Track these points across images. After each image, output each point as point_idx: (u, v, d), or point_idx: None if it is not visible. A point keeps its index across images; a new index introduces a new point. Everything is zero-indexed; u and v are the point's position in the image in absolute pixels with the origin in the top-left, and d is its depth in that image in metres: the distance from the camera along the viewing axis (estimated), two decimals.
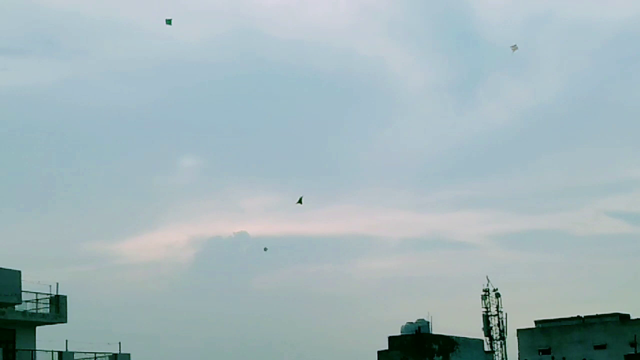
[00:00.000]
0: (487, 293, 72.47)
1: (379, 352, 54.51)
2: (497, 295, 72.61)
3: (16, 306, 41.53)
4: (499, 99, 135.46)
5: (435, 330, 55.51)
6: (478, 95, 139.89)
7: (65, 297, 44.38)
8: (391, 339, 54.39)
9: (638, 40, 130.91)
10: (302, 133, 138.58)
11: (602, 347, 57.91)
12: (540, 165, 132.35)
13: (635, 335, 52.76)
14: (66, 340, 43.76)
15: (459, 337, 56.15)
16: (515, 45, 46.99)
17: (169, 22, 45.41)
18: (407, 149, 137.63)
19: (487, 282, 72.52)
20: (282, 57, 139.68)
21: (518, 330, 64.09)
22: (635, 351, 50.21)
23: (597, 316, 60.82)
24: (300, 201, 49.86)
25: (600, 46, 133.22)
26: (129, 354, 46.72)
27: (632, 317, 59.01)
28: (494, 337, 71.31)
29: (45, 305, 43.73)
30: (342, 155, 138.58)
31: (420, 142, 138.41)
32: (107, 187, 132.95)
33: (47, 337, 43.85)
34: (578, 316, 61.96)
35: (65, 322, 44.49)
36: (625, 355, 49.38)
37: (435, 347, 54.09)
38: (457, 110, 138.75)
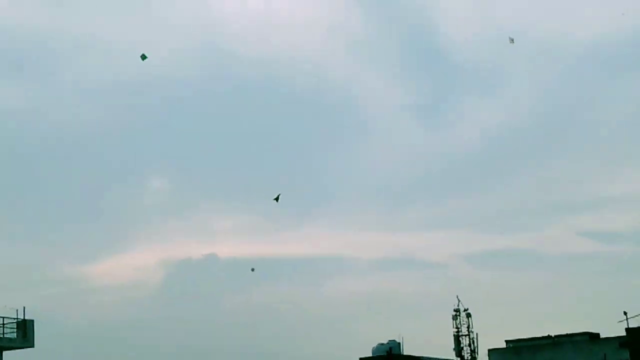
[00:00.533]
0: (457, 313, 72.46)
1: None
2: (468, 315, 72.63)
3: None
4: (467, 119, 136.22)
5: (406, 351, 55.54)
6: (447, 115, 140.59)
7: (32, 321, 43.90)
8: None
9: (608, 59, 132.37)
10: (272, 154, 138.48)
11: None
12: (510, 184, 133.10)
13: (605, 354, 52.89)
14: None
15: (430, 358, 56.14)
16: (512, 39, 47.01)
17: (143, 57, 45.41)
18: (377, 169, 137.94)
19: (457, 302, 72.57)
20: (251, 75, 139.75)
21: (489, 350, 64.10)
22: None
23: (567, 335, 60.98)
24: (277, 198, 49.83)
25: (570, 65, 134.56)
26: None
27: (602, 335, 59.23)
28: (465, 357, 71.27)
29: (12, 330, 43.21)
30: (312, 176, 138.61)
31: (390, 163, 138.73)
32: (74, 209, 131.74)
33: None
34: (548, 335, 62.11)
35: (33, 346, 43.99)
36: None
37: None
38: (426, 130, 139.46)
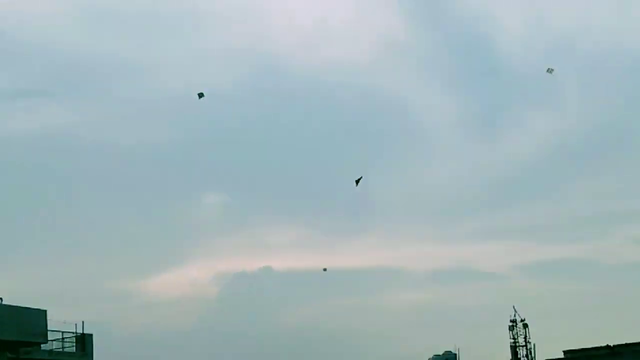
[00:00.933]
0: (514, 323, 71.84)
1: None
2: (525, 326, 71.95)
3: (42, 345, 41.62)
4: (521, 130, 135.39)
5: None
6: (501, 127, 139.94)
7: (91, 335, 44.49)
8: None
9: None
10: (325, 168, 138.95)
11: None
12: (565, 194, 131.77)
13: None
14: None
15: None
16: (550, 69, 46.92)
17: (200, 95, 46.31)
18: (432, 181, 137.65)
19: (514, 312, 71.94)
20: (304, 93, 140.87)
21: None
22: None
23: (626, 345, 60.02)
24: (358, 181, 49.61)
25: (623, 74, 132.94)
26: None
27: None
28: None
29: (71, 344, 43.84)
30: (367, 189, 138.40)
31: (445, 175, 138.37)
32: (131, 225, 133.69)
33: None
34: (607, 345, 61.17)
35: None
36: None
37: None
38: (480, 141, 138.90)
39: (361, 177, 50.21)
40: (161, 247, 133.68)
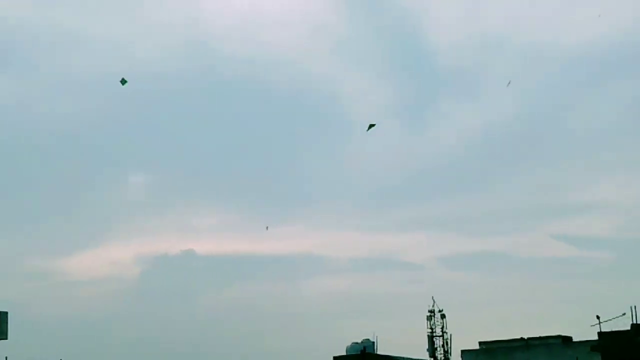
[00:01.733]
0: (432, 314, 72.82)
1: None
2: (443, 316, 73.00)
3: None
4: (450, 122, 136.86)
5: (380, 351, 55.69)
6: (429, 118, 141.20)
7: (6, 313, 43.77)
8: (336, 359, 54.43)
9: (591, 65, 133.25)
10: (253, 152, 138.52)
11: None
12: (489, 188, 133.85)
13: (577, 357, 53.31)
14: (6, 357, 43.09)
15: (403, 358, 56.38)
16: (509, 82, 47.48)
17: (123, 82, 45.37)
18: (358, 170, 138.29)
19: (432, 302, 72.92)
20: (235, 74, 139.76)
21: (462, 351, 64.39)
22: None
23: (540, 338, 61.43)
24: (370, 127, 48.27)
25: (553, 71, 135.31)
26: None
27: (575, 339, 59.67)
28: (439, 358, 71.67)
29: None
30: (293, 175, 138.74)
31: (371, 164, 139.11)
32: (51, 203, 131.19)
33: None
34: (522, 338, 62.52)
35: (6, 338, 43.84)
36: None
37: None
38: (409, 132, 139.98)
39: (374, 125, 49.09)
40: (82, 226, 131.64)
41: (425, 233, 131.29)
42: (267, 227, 55.86)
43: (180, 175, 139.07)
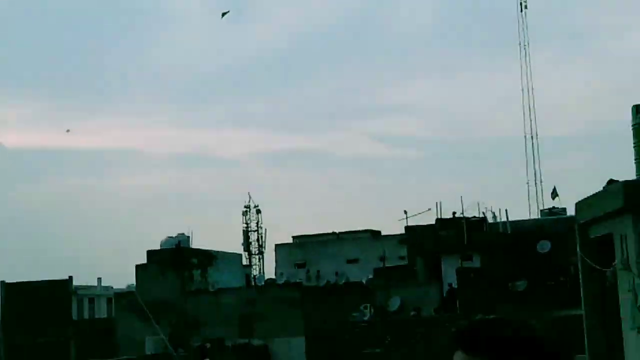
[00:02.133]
0: (248, 209, 73.61)
1: (137, 266, 54.07)
2: (258, 212, 73.98)
3: None
4: (266, 19, 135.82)
5: (195, 245, 55.73)
6: (247, 14, 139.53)
7: None
8: (150, 253, 54.02)
9: None
10: (64, 41, 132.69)
11: (354, 261, 60.54)
12: (306, 86, 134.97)
13: (384, 250, 55.48)
14: None
15: (217, 252, 56.74)
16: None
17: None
18: (174, 64, 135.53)
19: (248, 198, 73.57)
20: None
21: (276, 245, 65.65)
22: (384, 265, 52.89)
23: (350, 232, 63.44)
24: (224, 14, 48.40)
25: None
26: None
27: (383, 233, 62.06)
28: (253, 252, 72.86)
29: None
30: (106, 67, 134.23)
31: (188, 59, 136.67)
32: None
33: None
34: (333, 232, 64.34)
35: None
36: (374, 269, 51.92)
37: (194, 260, 54.40)
38: (225, 28, 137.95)
39: (228, 12, 49.82)
40: None
41: (242, 130, 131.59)
42: (67, 130, 53.85)
43: None
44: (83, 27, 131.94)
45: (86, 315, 66.36)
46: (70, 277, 55.82)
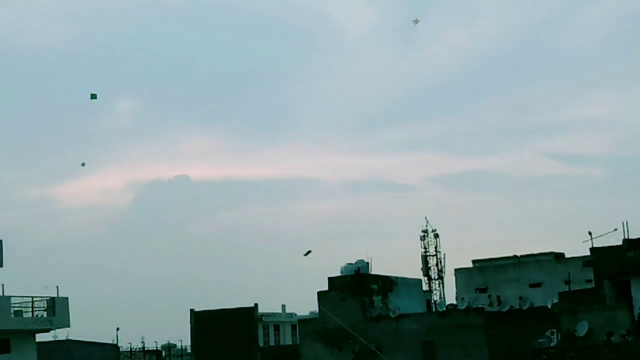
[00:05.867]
0: (425, 234, 73.17)
1: (318, 293, 54.93)
2: (436, 236, 73.39)
3: None
4: (439, 42, 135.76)
5: (374, 271, 56.01)
6: (419, 38, 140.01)
7: (0, 241, 43.80)
8: (331, 280, 54.76)
9: None
10: (242, 75, 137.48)
11: (537, 285, 59.01)
12: (480, 107, 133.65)
13: (569, 273, 53.70)
14: (2, 285, 43.22)
15: (397, 277, 56.78)
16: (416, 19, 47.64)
17: (93, 97, 45.82)
18: (348, 92, 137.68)
19: (425, 222, 73.19)
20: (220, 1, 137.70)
21: (455, 270, 64.91)
22: (569, 288, 51.18)
23: (532, 255, 61.89)
24: (307, 254, 50.55)
25: None
26: (67, 298, 46.38)
27: (567, 255, 60.19)
28: (432, 277, 72.34)
29: None
30: (283, 98, 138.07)
31: (361, 85, 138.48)
32: (41, 131, 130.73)
33: None
34: (514, 255, 62.98)
35: (1, 266, 43.94)
36: (559, 293, 50.32)
37: (374, 286, 54.65)
38: (398, 53, 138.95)
39: (310, 251, 51.68)
40: (71, 155, 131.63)
41: (416, 154, 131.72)
42: (83, 164, 55.47)
43: (170, 100, 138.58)
44: (260, 62, 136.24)
45: (272, 341, 67.88)
46: (256, 305, 57.38)
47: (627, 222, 46.33)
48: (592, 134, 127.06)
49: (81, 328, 64.39)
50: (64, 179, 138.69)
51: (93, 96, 46.46)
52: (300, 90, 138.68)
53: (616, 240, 46.43)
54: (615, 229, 47.23)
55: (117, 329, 70.29)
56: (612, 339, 39.62)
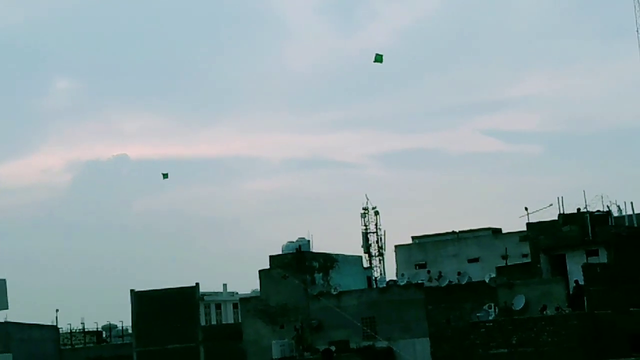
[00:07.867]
0: (366, 211, 73.40)
1: (260, 271, 55.08)
2: (376, 213, 73.68)
3: None
4: (378, 20, 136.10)
5: (315, 249, 56.33)
6: (358, 17, 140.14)
7: None
8: (272, 258, 54.97)
9: None
10: (184, 54, 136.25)
11: (475, 260, 59.83)
12: (418, 85, 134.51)
13: (506, 248, 54.62)
14: None
15: (338, 255, 57.17)
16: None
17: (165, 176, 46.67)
18: (289, 70, 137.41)
19: (366, 200, 73.46)
20: None
21: (396, 246, 65.37)
22: (506, 263, 52.10)
23: (470, 231, 62.66)
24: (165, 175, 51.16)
25: None
26: (4, 280, 45.86)
27: (504, 230, 61.06)
28: (373, 254, 72.73)
29: None
30: (224, 76, 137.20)
31: (302, 63, 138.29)
32: None
33: None
34: (453, 231, 63.68)
35: None
36: (496, 267, 51.24)
37: (315, 264, 55.05)
38: (337, 32, 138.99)
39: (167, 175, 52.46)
40: (9, 135, 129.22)
41: (357, 132, 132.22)
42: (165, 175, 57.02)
43: (109, 79, 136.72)
44: (199, 40, 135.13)
45: (214, 320, 67.88)
46: (197, 284, 57.24)
47: (562, 198, 47.25)
48: (529, 111, 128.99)
49: (20, 310, 63.62)
50: (1, 160, 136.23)
51: (165, 176, 48.29)
52: (240, 69, 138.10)
53: (552, 216, 47.33)
54: (551, 205, 48.11)
55: (57, 310, 69.56)
56: (546, 311, 40.53)
